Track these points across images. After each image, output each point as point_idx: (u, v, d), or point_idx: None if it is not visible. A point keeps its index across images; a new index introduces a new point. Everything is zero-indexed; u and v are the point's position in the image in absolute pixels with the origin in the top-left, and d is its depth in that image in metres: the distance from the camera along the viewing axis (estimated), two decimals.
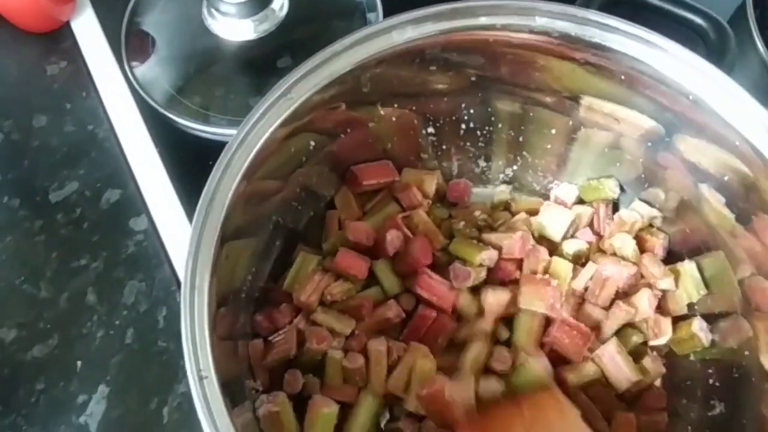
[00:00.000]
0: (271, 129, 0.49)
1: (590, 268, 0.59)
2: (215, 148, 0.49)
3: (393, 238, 0.58)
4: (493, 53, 0.55)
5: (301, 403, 0.55)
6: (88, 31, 0.74)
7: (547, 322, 0.59)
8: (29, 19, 0.72)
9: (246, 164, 0.48)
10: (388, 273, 0.59)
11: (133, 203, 0.65)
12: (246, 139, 0.48)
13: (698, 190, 0.57)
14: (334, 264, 0.58)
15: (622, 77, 0.53)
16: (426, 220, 0.61)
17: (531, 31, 0.52)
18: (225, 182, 0.47)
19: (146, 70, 0.72)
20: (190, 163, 0.61)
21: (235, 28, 0.72)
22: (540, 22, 0.52)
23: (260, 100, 0.49)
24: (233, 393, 0.45)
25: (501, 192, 0.65)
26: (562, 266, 0.59)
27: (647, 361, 0.59)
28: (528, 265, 0.60)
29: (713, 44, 0.62)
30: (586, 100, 0.59)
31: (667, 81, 0.51)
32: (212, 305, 0.44)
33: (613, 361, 0.57)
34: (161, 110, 0.69)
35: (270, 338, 0.56)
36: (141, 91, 0.70)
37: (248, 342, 0.55)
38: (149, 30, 0.74)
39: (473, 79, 0.58)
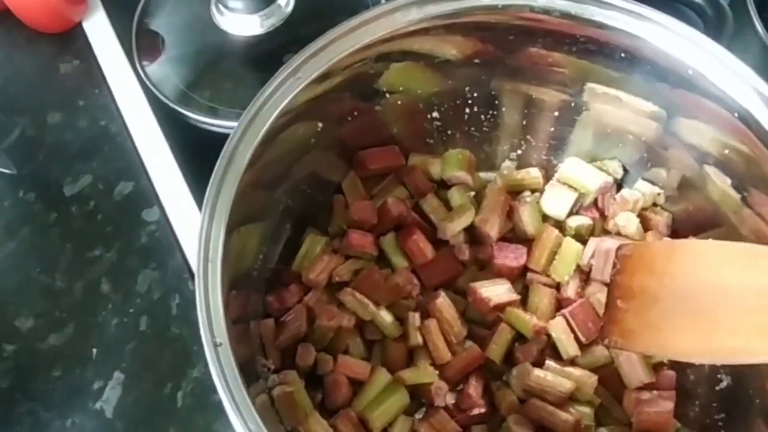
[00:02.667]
0: (280, 108, 0.50)
1: (591, 243, 0.60)
2: (224, 140, 0.50)
3: (395, 202, 0.60)
4: (495, 35, 0.56)
5: (312, 383, 0.56)
6: (99, 31, 0.76)
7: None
8: (43, 20, 0.74)
9: (256, 141, 0.49)
10: (395, 248, 0.60)
11: (146, 195, 0.67)
12: (256, 116, 0.50)
13: (701, 168, 0.58)
14: (347, 244, 0.59)
15: (622, 54, 0.54)
16: (437, 205, 0.63)
17: (532, 11, 0.53)
18: (237, 156, 0.48)
19: (157, 67, 0.73)
20: (200, 156, 0.61)
21: (242, 23, 0.74)
22: (540, 1, 0.53)
23: (269, 80, 0.50)
24: (247, 371, 0.46)
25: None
26: (572, 247, 0.60)
27: None
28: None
29: (711, 22, 0.63)
30: (588, 85, 0.60)
31: (665, 56, 0.52)
32: (225, 277, 0.45)
33: (629, 361, 0.58)
34: (172, 105, 0.70)
35: (281, 318, 0.57)
36: (152, 88, 0.71)
37: (260, 322, 0.56)
38: (159, 29, 0.76)
39: (477, 61, 0.59)
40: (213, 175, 0.48)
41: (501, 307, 0.59)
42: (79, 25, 0.76)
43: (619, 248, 0.55)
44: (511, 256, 0.60)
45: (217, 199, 0.47)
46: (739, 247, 0.52)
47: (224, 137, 0.50)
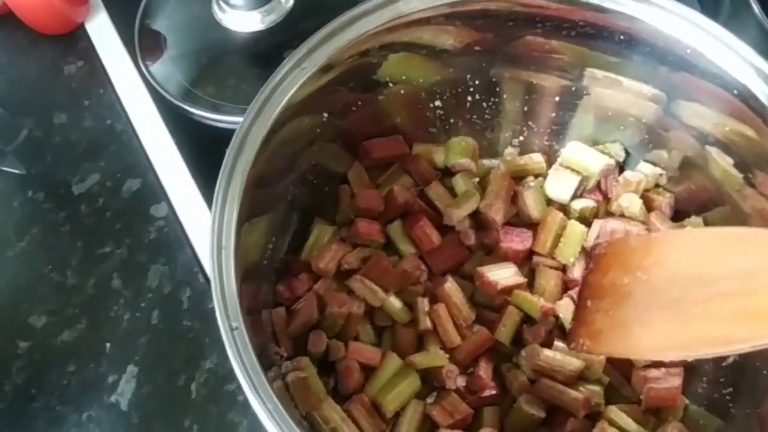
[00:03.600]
0: (286, 98, 0.51)
1: (596, 225, 0.61)
2: (229, 136, 0.51)
3: (400, 190, 0.61)
4: (495, 22, 0.57)
5: (325, 369, 0.57)
6: (102, 32, 0.77)
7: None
8: (45, 22, 0.74)
9: (264, 132, 0.50)
10: (402, 235, 0.61)
11: (153, 191, 0.68)
12: (263, 108, 0.50)
13: (702, 148, 0.58)
14: (355, 233, 0.60)
15: (621, 37, 0.55)
16: (442, 192, 0.64)
17: None
18: (246, 147, 0.49)
19: (160, 66, 0.74)
20: (205, 151, 0.63)
21: (243, 20, 0.75)
22: None
23: (274, 72, 0.51)
24: (261, 360, 0.46)
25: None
26: (576, 229, 0.61)
27: None
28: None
29: (707, 1, 0.64)
30: (588, 70, 0.61)
31: (663, 36, 0.53)
32: (238, 264, 0.46)
33: None
34: (176, 102, 0.72)
35: (292, 306, 0.57)
36: (156, 86, 0.73)
37: (271, 311, 0.56)
38: (161, 29, 0.77)
39: (477, 49, 0.60)
40: (223, 165, 0.49)
41: (508, 290, 0.59)
42: (82, 26, 0.77)
43: (593, 248, 0.54)
44: (516, 240, 0.61)
45: (228, 188, 0.48)
46: (718, 233, 0.51)
47: (228, 133, 0.51)
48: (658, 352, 0.50)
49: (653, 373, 0.57)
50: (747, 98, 0.52)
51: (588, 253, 0.61)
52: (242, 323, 0.43)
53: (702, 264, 0.48)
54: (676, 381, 0.56)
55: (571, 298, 0.59)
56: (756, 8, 0.64)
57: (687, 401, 0.58)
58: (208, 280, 0.61)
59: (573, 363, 0.56)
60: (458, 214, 0.61)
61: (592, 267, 0.54)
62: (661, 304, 0.48)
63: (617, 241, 0.56)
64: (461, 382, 0.58)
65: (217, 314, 0.43)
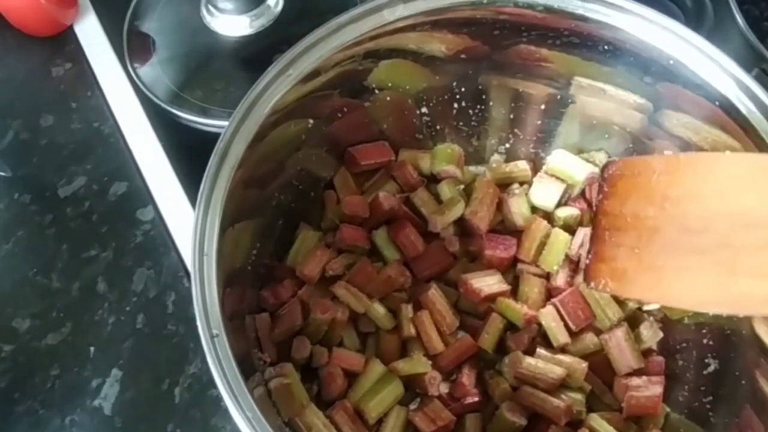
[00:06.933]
0: (272, 104, 0.51)
1: (580, 233, 0.61)
2: (216, 140, 0.51)
3: (386, 196, 0.61)
4: (481, 30, 0.57)
5: (308, 375, 0.57)
6: (91, 34, 0.77)
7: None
8: (34, 24, 0.74)
9: (249, 137, 0.50)
10: (387, 241, 0.61)
11: (140, 195, 0.68)
12: (248, 113, 0.51)
13: None
14: (340, 238, 0.60)
15: (605, 47, 0.56)
16: (427, 199, 0.64)
17: (516, 5, 0.55)
18: (230, 152, 0.49)
19: (148, 69, 0.74)
20: (192, 155, 0.62)
21: (232, 24, 0.75)
22: None
23: (260, 77, 0.51)
24: (244, 365, 0.46)
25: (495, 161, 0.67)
26: (560, 237, 0.61)
27: (645, 327, 0.60)
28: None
29: (690, 13, 0.64)
30: (574, 78, 0.61)
31: (646, 47, 0.54)
32: (220, 270, 0.46)
33: (618, 347, 0.59)
34: (164, 106, 0.71)
35: (276, 312, 0.58)
36: (144, 89, 0.72)
37: (255, 316, 0.57)
38: (150, 32, 0.77)
39: (464, 57, 0.60)
40: (206, 171, 0.49)
41: (492, 298, 0.60)
42: (71, 28, 0.77)
43: (605, 166, 0.45)
44: (501, 248, 0.61)
45: (211, 194, 0.48)
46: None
47: (216, 136, 0.51)
48: (698, 305, 0.42)
49: (635, 381, 0.58)
50: (728, 109, 0.52)
51: (572, 261, 0.61)
52: (223, 330, 0.43)
53: (750, 198, 0.38)
54: (657, 389, 0.57)
55: (554, 305, 0.59)
56: (739, 19, 0.65)
57: (668, 409, 0.58)
58: None
59: (555, 371, 0.57)
60: (443, 221, 0.61)
61: (606, 191, 0.45)
62: (698, 248, 0.39)
63: (636, 161, 0.46)
64: (444, 388, 0.59)
65: (198, 322, 0.43)
